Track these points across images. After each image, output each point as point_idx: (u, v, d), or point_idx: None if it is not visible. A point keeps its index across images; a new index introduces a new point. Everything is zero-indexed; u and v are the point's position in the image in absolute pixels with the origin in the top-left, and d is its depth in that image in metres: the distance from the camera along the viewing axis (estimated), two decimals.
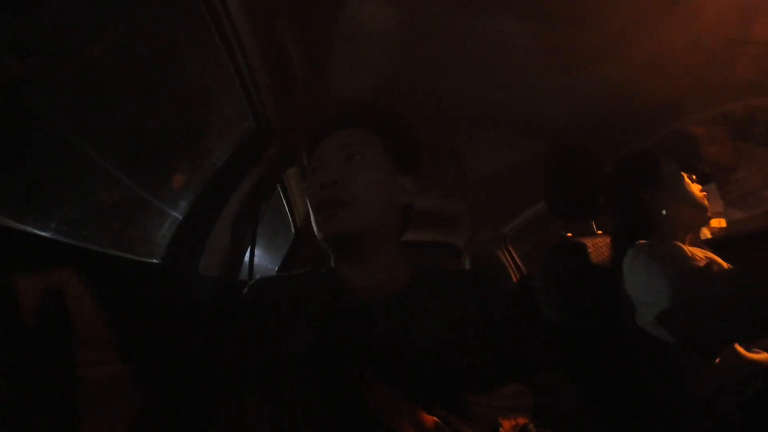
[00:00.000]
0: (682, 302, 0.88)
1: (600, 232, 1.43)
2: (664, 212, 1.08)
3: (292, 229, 2.12)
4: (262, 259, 2.15)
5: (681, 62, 1.12)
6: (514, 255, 2.46)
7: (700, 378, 0.93)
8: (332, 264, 0.80)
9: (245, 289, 0.80)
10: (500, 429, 0.59)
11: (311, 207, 0.74)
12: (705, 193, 1.12)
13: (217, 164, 1.17)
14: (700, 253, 1.04)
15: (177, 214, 1.10)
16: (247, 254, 1.28)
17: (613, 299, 1.07)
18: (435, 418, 0.57)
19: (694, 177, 1.14)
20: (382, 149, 0.77)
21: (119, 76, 0.94)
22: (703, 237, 1.39)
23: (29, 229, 0.71)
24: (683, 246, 1.03)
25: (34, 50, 0.73)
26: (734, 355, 0.93)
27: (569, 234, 1.41)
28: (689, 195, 1.10)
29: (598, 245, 1.32)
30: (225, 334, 0.72)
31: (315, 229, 0.74)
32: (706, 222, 1.14)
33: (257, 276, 1.35)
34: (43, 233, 0.73)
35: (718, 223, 1.83)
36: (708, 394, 0.92)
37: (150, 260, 1.02)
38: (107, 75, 0.92)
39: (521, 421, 0.60)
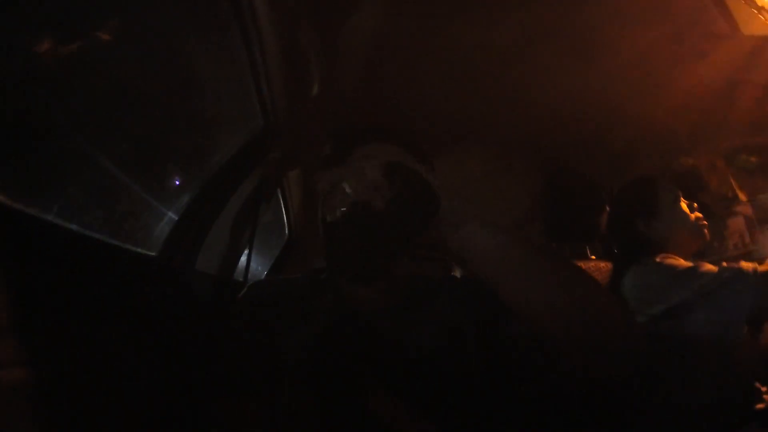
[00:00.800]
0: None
1: (594, 257, 1.45)
2: (664, 237, 1.11)
3: (286, 232, 2.10)
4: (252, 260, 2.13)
5: (686, 100, 1.16)
6: None
7: (695, 389, 0.96)
8: (327, 270, 0.79)
9: (245, 291, 0.79)
10: None
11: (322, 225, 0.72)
12: (705, 222, 1.14)
13: (221, 161, 1.16)
14: None
15: (176, 210, 1.09)
16: (244, 254, 1.27)
17: None
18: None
19: (695, 205, 1.16)
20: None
21: (130, 68, 0.94)
22: None
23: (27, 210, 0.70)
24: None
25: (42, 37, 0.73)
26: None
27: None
28: (686, 222, 1.12)
29: (590, 270, 1.33)
30: (223, 335, 0.71)
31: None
32: (701, 248, 1.17)
33: (250, 277, 1.34)
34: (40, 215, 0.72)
35: None
36: (701, 407, 0.94)
37: (146, 252, 1.00)
38: (119, 66, 0.91)
39: None
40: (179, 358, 0.76)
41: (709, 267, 0.96)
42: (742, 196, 1.59)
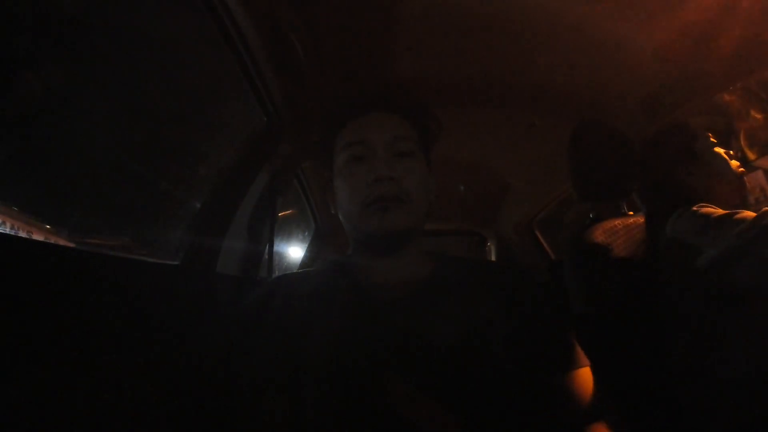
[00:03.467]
0: None
1: (631, 213, 1.35)
2: (706, 181, 1.04)
3: (312, 223, 2.11)
4: (284, 256, 2.16)
5: (706, 34, 1.04)
6: (541, 241, 2.38)
7: (743, 365, 0.86)
8: (352, 257, 0.77)
9: (263, 287, 0.79)
10: None
11: (359, 199, 0.69)
12: (743, 170, 1.07)
13: (229, 162, 1.16)
14: None
15: (190, 216, 1.10)
16: (266, 250, 1.28)
17: (650, 281, 1.01)
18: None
19: (731, 152, 1.08)
20: (418, 143, 0.75)
21: (123, 77, 0.94)
22: None
23: (46, 239, 0.72)
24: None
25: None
26: None
27: (598, 216, 1.34)
28: (728, 171, 1.05)
29: (629, 226, 1.24)
30: (244, 333, 0.71)
31: (359, 221, 0.70)
32: (745, 200, 1.07)
33: (276, 272, 1.34)
34: (59, 242, 0.74)
35: None
36: (750, 386, 0.85)
37: (168, 262, 1.02)
38: (111, 75, 0.91)
39: None
40: (202, 361, 0.77)
41: (747, 213, 0.87)
42: (750, 155, 1.45)
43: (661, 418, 0.97)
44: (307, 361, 0.62)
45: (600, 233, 1.22)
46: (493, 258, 2.60)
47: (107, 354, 0.66)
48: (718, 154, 1.06)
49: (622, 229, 1.20)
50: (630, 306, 1.09)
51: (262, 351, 0.67)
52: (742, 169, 1.06)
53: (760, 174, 1.43)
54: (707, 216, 0.93)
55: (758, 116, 1.40)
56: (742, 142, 1.43)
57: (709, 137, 1.08)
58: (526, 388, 0.63)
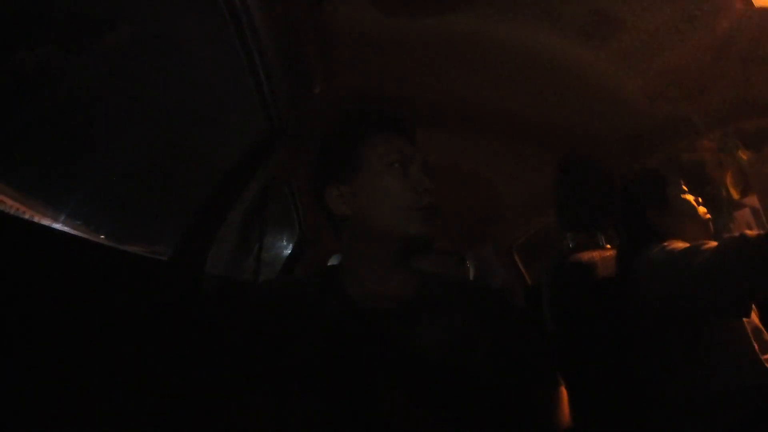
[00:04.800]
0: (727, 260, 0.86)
1: (608, 246, 1.42)
2: (675, 227, 1.13)
3: (297, 231, 2.12)
4: (268, 257, 2.15)
5: (695, 79, 1.13)
6: (519, 265, 2.45)
7: (708, 381, 0.94)
8: (344, 266, 0.79)
9: (252, 291, 0.79)
10: None
11: (407, 203, 0.73)
12: (709, 216, 1.17)
13: (227, 163, 1.17)
14: None
15: (184, 213, 1.10)
16: (254, 253, 1.28)
17: (621, 309, 1.08)
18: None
19: (699, 200, 1.19)
20: None
21: (129, 73, 0.95)
22: None
23: (38, 220, 0.71)
24: None
25: (45, 42, 0.74)
26: (748, 357, 0.94)
27: (576, 246, 1.40)
28: (694, 215, 1.15)
29: (606, 258, 1.30)
30: (230, 336, 0.71)
31: (402, 224, 0.73)
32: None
33: (262, 274, 1.35)
34: (52, 225, 0.74)
35: None
36: (715, 399, 0.93)
37: (157, 257, 1.02)
38: (118, 71, 0.92)
39: None
40: (186, 359, 0.77)
41: (712, 243, 0.94)
42: (734, 194, 1.55)
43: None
44: (296, 370, 0.63)
45: (577, 262, 1.29)
46: (471, 278, 2.65)
47: (91, 341, 0.66)
48: (687, 201, 1.16)
49: (599, 260, 1.26)
50: (600, 331, 1.15)
51: (249, 354, 0.67)
52: (708, 215, 1.17)
53: (747, 211, 1.52)
54: (674, 248, 1.02)
55: (744, 158, 1.49)
56: (729, 182, 1.52)
57: (680, 184, 1.18)
58: (504, 404, 0.66)
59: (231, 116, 1.20)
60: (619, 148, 1.43)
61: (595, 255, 1.29)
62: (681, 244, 1.03)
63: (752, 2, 0.89)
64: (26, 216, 0.71)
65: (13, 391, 0.52)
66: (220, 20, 0.88)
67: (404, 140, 0.79)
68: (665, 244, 1.06)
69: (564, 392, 0.71)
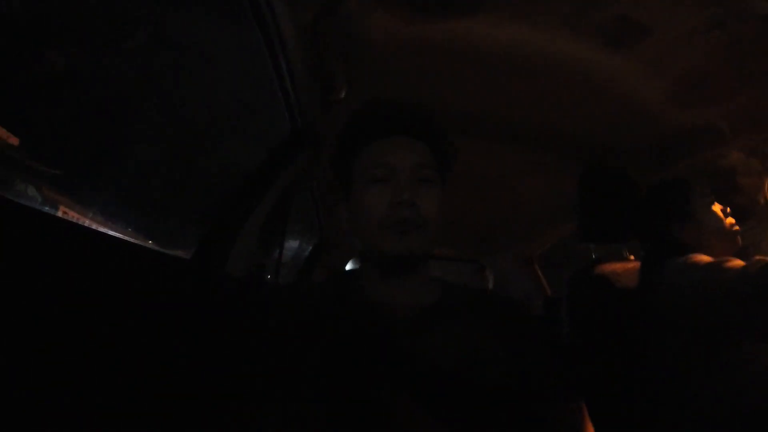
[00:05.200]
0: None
1: (632, 257, 1.38)
2: (699, 240, 1.08)
3: (317, 231, 2.14)
4: (288, 259, 2.18)
5: (722, 87, 1.09)
6: (539, 276, 2.41)
7: (727, 400, 0.91)
8: (361, 273, 0.79)
9: (269, 295, 0.80)
10: None
11: (379, 219, 0.71)
12: (738, 228, 1.11)
13: (251, 165, 1.20)
14: None
15: (208, 215, 1.13)
16: (275, 255, 1.30)
17: (642, 323, 1.05)
18: None
19: (728, 210, 1.13)
20: (438, 170, 0.77)
21: (153, 75, 0.98)
22: None
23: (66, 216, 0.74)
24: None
25: (74, 44, 0.77)
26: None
27: (599, 258, 1.37)
28: (719, 228, 1.09)
29: (629, 270, 1.27)
30: (246, 339, 0.72)
31: (377, 241, 0.71)
32: (738, 254, 1.11)
33: (281, 276, 1.37)
34: (78, 221, 0.76)
35: None
36: (734, 418, 0.89)
37: (178, 256, 1.04)
38: (143, 72, 0.95)
39: None
40: (203, 360, 0.78)
41: (737, 261, 0.90)
42: None
43: None
44: (307, 376, 0.63)
45: (600, 274, 1.26)
46: (491, 287, 2.62)
47: (108, 337, 0.67)
48: (713, 212, 1.11)
49: (621, 272, 1.23)
50: (621, 344, 1.12)
51: (265, 362, 0.68)
52: (737, 227, 1.11)
53: None
54: (697, 263, 0.97)
55: None
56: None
57: (706, 195, 1.12)
58: (520, 417, 0.65)
59: (256, 120, 1.23)
60: (643, 157, 1.40)
61: (617, 267, 1.26)
62: (705, 258, 0.99)
63: None
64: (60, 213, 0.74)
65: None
66: (246, 25, 0.90)
67: (397, 146, 0.75)
68: (688, 257, 1.01)
69: (583, 407, 0.69)
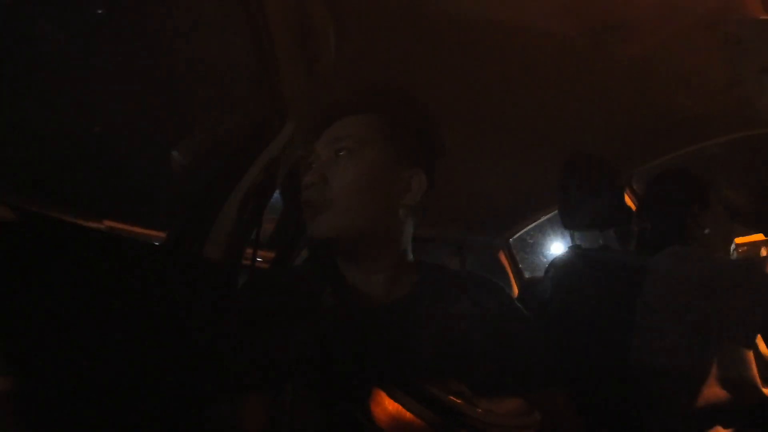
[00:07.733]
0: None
1: (612, 245, 1.41)
2: (707, 231, 1.10)
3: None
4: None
5: (714, 82, 1.10)
6: (516, 259, 2.45)
7: (703, 393, 0.94)
8: (336, 261, 0.76)
9: (245, 283, 0.77)
10: None
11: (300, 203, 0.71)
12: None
13: (228, 149, 1.14)
14: None
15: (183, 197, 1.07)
16: (252, 238, 1.25)
17: (625, 310, 1.07)
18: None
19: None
20: (384, 139, 0.71)
21: (133, 45, 0.91)
22: None
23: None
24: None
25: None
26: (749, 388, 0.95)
27: (581, 245, 1.39)
28: (727, 223, 1.14)
29: (611, 258, 1.29)
30: (223, 329, 0.70)
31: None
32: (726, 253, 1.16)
33: (259, 261, 1.32)
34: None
35: None
36: (708, 412, 0.93)
37: (152, 242, 0.99)
38: (122, 43, 0.88)
39: None
40: (181, 351, 0.75)
41: (728, 260, 0.94)
42: None
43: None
44: (288, 364, 0.62)
45: (581, 261, 1.28)
46: (467, 268, 2.66)
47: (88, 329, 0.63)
48: (721, 209, 1.14)
49: (604, 259, 1.26)
50: (601, 330, 1.14)
51: (242, 350, 0.65)
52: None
53: None
54: (702, 255, 0.99)
55: None
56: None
57: (721, 189, 1.15)
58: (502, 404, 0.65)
59: (234, 97, 1.16)
60: (631, 146, 1.41)
61: (600, 254, 1.28)
62: (702, 253, 1.01)
63: None
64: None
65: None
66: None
67: (331, 131, 0.72)
68: (683, 249, 1.03)
69: (567, 395, 0.70)
